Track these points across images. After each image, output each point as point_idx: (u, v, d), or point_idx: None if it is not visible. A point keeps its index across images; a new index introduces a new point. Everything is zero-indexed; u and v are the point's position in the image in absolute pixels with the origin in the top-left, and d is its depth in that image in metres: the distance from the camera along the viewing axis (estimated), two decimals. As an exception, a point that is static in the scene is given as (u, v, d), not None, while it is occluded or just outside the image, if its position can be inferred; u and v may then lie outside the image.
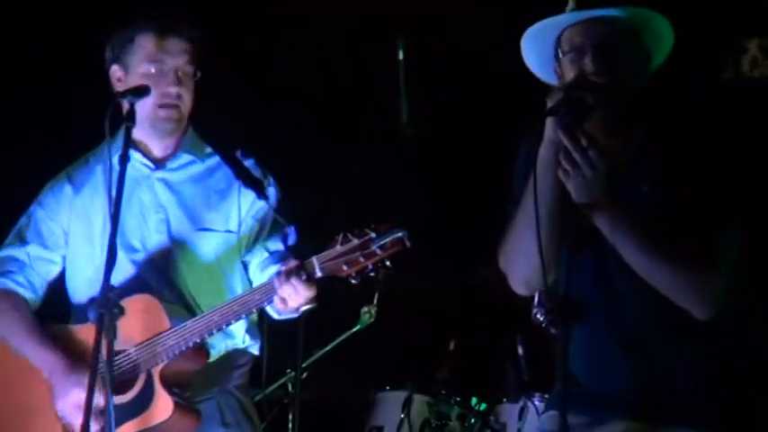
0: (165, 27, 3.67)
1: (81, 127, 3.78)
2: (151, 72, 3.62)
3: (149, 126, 3.64)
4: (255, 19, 5.48)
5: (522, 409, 4.84)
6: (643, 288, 2.96)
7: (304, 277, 3.46)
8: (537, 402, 4.76)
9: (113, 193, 3.29)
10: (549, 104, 2.95)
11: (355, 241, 3.44)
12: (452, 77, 5.61)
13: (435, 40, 5.66)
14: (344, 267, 3.44)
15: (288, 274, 3.47)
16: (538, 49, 3.14)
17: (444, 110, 5.67)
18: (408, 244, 3.45)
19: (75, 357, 3.61)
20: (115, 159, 3.43)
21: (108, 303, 3.19)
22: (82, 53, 4.01)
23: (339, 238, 3.46)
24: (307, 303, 3.54)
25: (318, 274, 3.46)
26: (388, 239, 3.43)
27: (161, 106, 3.63)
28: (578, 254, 2.99)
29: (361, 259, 3.42)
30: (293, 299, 3.48)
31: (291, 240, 3.69)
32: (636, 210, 2.99)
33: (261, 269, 3.67)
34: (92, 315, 3.39)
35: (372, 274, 3.49)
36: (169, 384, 3.52)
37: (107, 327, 3.19)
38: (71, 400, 3.53)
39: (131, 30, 3.69)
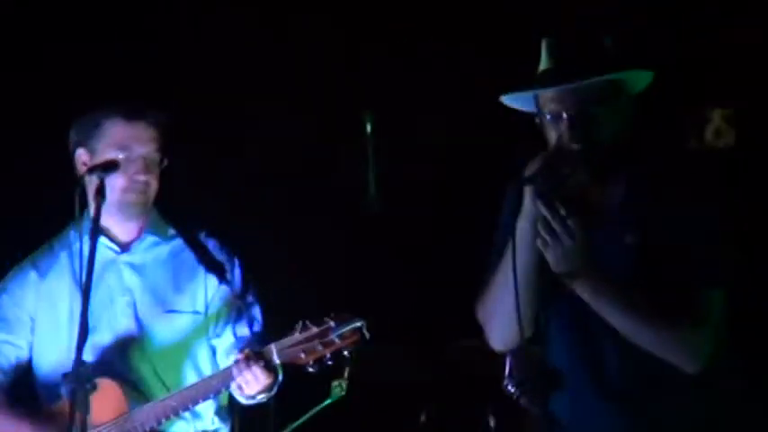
0: (133, 113, 3.70)
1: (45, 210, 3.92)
2: (119, 158, 3.63)
3: (116, 210, 3.66)
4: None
5: (497, 485, 4.96)
6: (626, 346, 2.98)
7: (261, 364, 3.49)
8: (510, 478, 4.79)
9: (84, 270, 3.31)
10: (527, 173, 2.96)
11: (314, 329, 3.49)
12: (421, 151, 5.59)
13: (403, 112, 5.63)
14: (302, 356, 3.50)
15: (245, 362, 3.50)
16: (518, 104, 3.16)
17: (413, 183, 5.60)
18: (367, 335, 3.50)
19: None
20: (84, 241, 3.45)
21: (80, 378, 3.21)
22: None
23: (299, 326, 3.51)
24: (265, 391, 3.56)
25: (276, 361, 3.51)
26: (346, 329, 3.50)
27: (129, 191, 3.66)
28: (558, 316, 3.05)
29: (320, 348, 3.48)
30: (251, 386, 3.52)
31: (257, 327, 3.75)
32: (619, 265, 3.02)
33: (227, 354, 3.70)
34: (64, 390, 3.40)
35: (330, 363, 3.54)
36: None
37: (80, 402, 3.20)
38: None
39: (98, 115, 3.72)
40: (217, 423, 3.74)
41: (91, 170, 3.54)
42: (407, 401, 5.15)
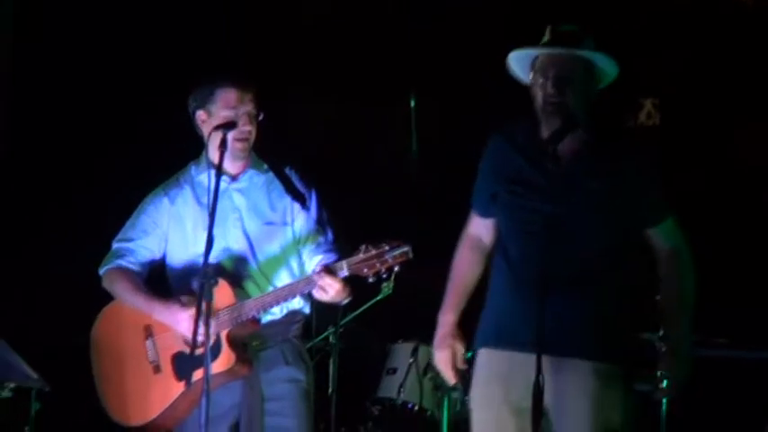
0: (239, 84, 4.10)
1: (168, 154, 4.37)
2: (230, 116, 4.03)
3: (229, 153, 4.03)
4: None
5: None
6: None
7: (334, 278, 3.84)
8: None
9: (210, 197, 3.76)
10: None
11: (373, 251, 3.83)
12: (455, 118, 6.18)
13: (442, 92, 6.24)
14: (365, 270, 3.84)
15: (322, 274, 3.86)
16: (520, 64, 3.53)
17: (445, 147, 6.26)
18: (412, 256, 3.82)
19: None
20: (203, 177, 4.03)
21: (207, 275, 3.66)
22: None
23: (363, 248, 3.85)
24: (339, 295, 3.89)
25: (345, 273, 3.85)
26: (397, 252, 3.83)
27: (238, 140, 4.06)
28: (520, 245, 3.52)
29: (377, 265, 3.82)
30: (328, 290, 3.87)
31: (331, 236, 4.13)
32: (587, 201, 3.41)
33: (310, 257, 4.12)
34: (194, 284, 3.87)
35: (384, 276, 3.84)
36: (231, 343, 3.95)
37: (206, 293, 3.63)
38: (179, 318, 3.97)
39: (211, 86, 4.12)
40: (302, 303, 4.17)
41: (216, 128, 3.95)
42: (436, 300, 5.03)
